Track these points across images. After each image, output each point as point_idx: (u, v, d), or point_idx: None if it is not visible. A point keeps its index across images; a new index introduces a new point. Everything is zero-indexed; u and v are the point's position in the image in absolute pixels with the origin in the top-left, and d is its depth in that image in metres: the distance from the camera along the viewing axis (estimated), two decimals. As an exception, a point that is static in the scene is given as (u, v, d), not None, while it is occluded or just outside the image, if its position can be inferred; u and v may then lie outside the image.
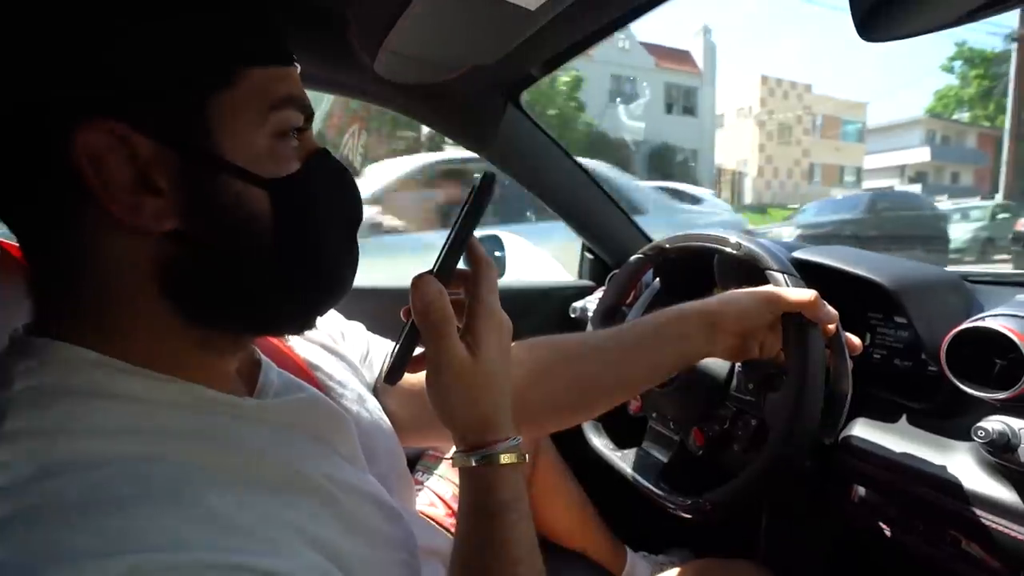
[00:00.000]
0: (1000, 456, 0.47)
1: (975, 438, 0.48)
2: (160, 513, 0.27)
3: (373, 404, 0.54)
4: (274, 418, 0.39)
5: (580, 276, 1.24)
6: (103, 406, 0.31)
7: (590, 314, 0.97)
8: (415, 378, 0.42)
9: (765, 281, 0.62)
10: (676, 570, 0.69)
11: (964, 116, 28.27)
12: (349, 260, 0.41)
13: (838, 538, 0.78)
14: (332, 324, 0.59)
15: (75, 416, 0.30)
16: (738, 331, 0.56)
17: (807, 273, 0.63)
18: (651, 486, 0.69)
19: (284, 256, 0.35)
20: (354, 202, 0.41)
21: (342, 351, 0.56)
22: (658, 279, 0.89)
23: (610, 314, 0.87)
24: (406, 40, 0.63)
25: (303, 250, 0.36)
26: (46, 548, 0.25)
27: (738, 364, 0.71)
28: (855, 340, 0.58)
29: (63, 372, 0.31)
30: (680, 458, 0.74)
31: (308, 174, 0.36)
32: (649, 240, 0.96)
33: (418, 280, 0.38)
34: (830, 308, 0.57)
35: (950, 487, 0.52)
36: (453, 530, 0.50)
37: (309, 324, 0.41)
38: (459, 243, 0.39)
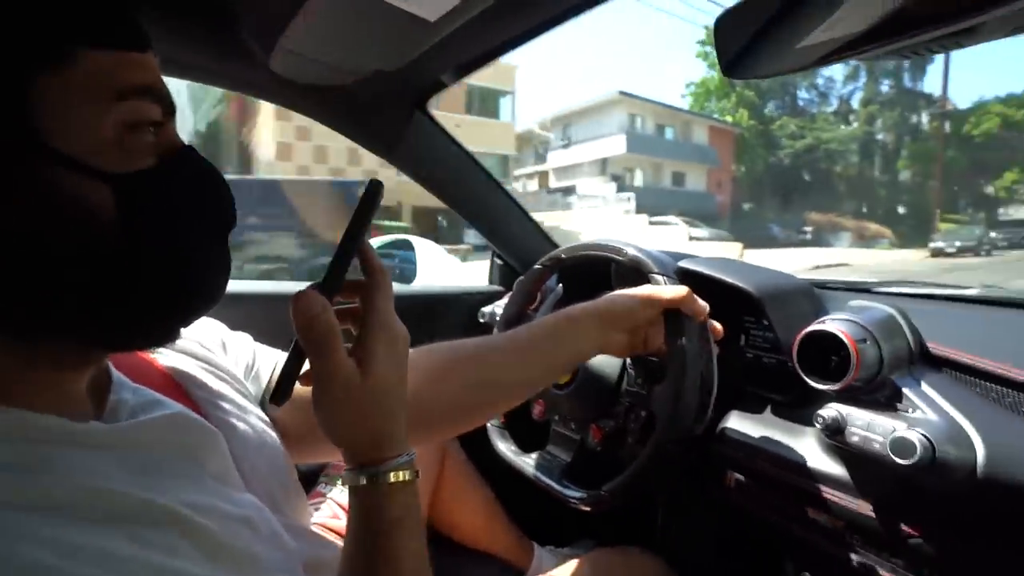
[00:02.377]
0: (834, 438, 0.56)
1: (815, 424, 0.57)
2: None
3: (256, 418, 0.51)
4: (123, 442, 0.35)
5: (490, 281, 1.26)
6: None
7: (497, 319, 1.00)
8: (307, 390, 0.40)
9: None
10: (576, 561, 0.73)
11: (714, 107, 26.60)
12: (217, 267, 0.38)
13: (723, 522, 0.86)
14: (210, 333, 0.55)
15: None
16: (625, 327, 0.61)
17: (690, 280, 0.70)
18: (554, 484, 0.73)
19: (132, 261, 0.32)
20: (223, 204, 0.38)
21: (220, 362, 0.52)
22: (560, 285, 0.94)
23: (515, 320, 0.90)
24: (302, 39, 0.61)
25: (157, 254, 0.33)
26: None
27: (628, 361, 0.77)
28: (718, 326, 0.66)
29: None
30: (581, 455, 0.78)
31: (165, 171, 0.34)
32: (556, 246, 1.01)
33: (299, 295, 0.36)
34: (702, 302, 0.63)
35: (799, 467, 0.61)
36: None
37: (168, 337, 0.37)
38: (346, 253, 0.38)
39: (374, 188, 0.39)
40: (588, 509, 0.68)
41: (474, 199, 1.03)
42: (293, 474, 0.55)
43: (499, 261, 1.22)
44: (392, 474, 0.39)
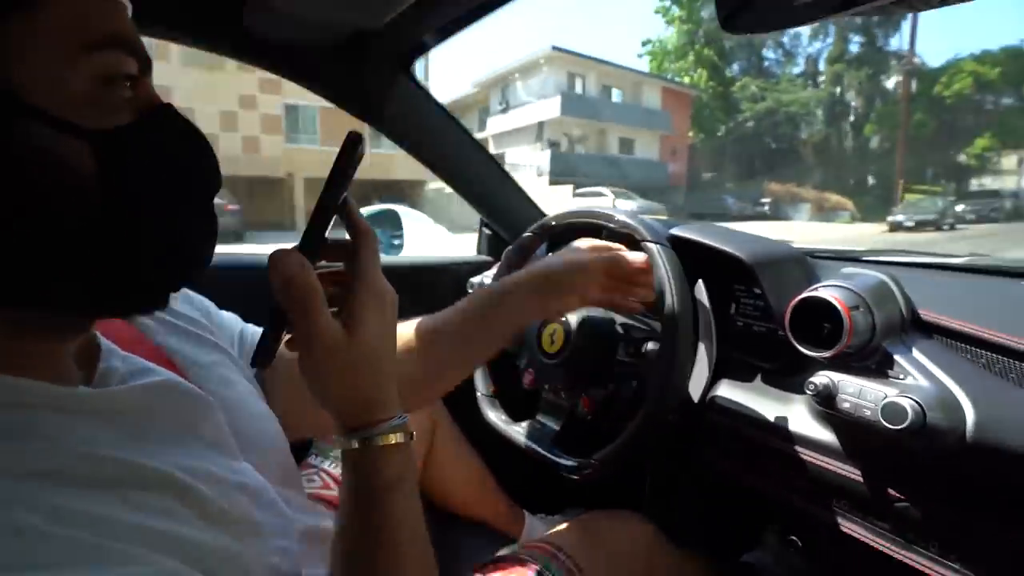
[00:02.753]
0: (825, 405, 0.56)
1: (807, 391, 0.56)
2: None
3: (245, 387, 0.50)
4: (114, 408, 0.35)
5: (479, 251, 1.24)
6: None
7: (488, 289, 0.98)
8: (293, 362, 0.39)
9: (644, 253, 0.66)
10: (565, 524, 0.73)
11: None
12: (203, 231, 0.36)
13: (712, 488, 0.87)
14: (196, 304, 0.54)
15: None
16: (565, 293, 0.61)
17: (682, 248, 0.69)
18: (545, 452, 0.73)
19: (114, 221, 0.31)
20: (207, 165, 0.36)
21: (209, 336, 0.51)
22: (550, 254, 0.92)
23: (505, 289, 0.88)
24: (279, -7, 0.58)
25: (137, 217, 0.32)
26: None
27: (620, 330, 0.76)
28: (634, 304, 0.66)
29: None
30: (571, 425, 0.78)
31: (143, 128, 0.32)
32: (543, 215, 0.99)
33: (275, 255, 0.35)
34: (633, 258, 0.64)
35: (789, 434, 0.61)
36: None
37: (156, 302, 0.36)
38: (324, 210, 0.36)
39: (352, 140, 0.36)
40: (578, 478, 0.68)
41: (461, 167, 1.00)
42: (285, 443, 0.55)
43: (487, 231, 1.20)
44: (384, 437, 0.38)
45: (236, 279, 0.80)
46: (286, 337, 0.39)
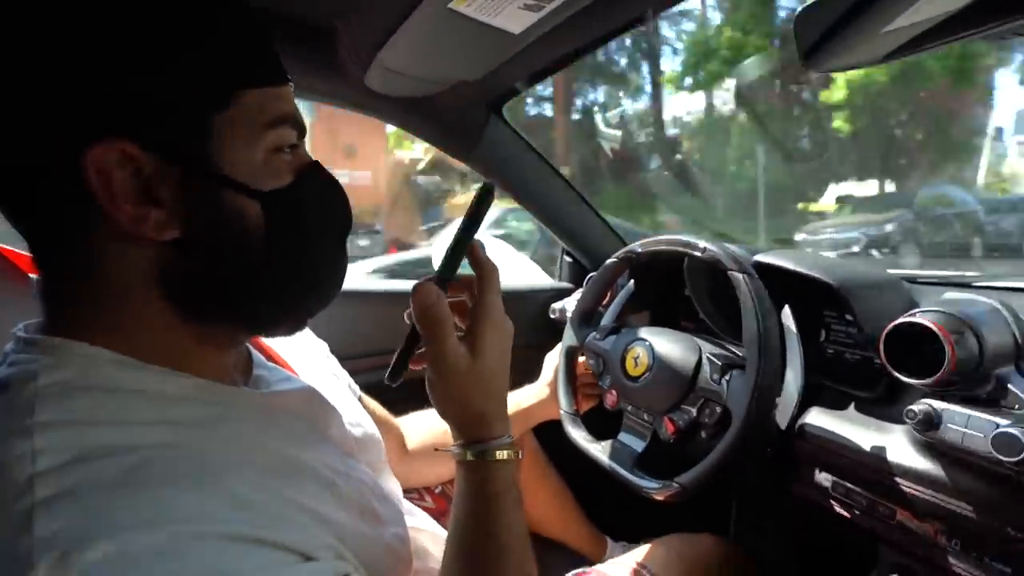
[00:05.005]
0: (926, 434, 0.54)
1: (906, 420, 0.55)
2: (186, 492, 0.31)
3: (350, 398, 0.58)
4: (271, 406, 0.42)
5: (559, 278, 1.28)
6: (123, 400, 0.34)
7: (568, 315, 1.02)
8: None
9: (728, 281, 0.67)
10: (648, 546, 0.74)
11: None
12: (337, 266, 0.43)
13: (800, 518, 0.84)
14: (305, 334, 0.64)
15: (99, 409, 0.33)
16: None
17: (768, 275, 0.69)
18: (626, 473, 0.74)
19: (276, 263, 0.38)
20: (344, 211, 0.43)
21: (312, 351, 0.61)
22: (632, 281, 0.95)
23: (588, 315, 0.92)
24: (398, 57, 0.67)
25: (293, 257, 0.39)
26: (89, 523, 0.28)
27: (706, 356, 0.77)
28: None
29: (82, 369, 0.34)
30: (653, 446, 0.79)
31: (299, 186, 0.39)
32: (624, 243, 1.02)
33: (418, 287, 0.41)
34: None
35: (887, 464, 0.59)
36: (430, 514, 0.60)
37: (299, 326, 0.44)
38: (458, 250, 0.43)
39: (486, 189, 0.43)
40: (660, 499, 0.69)
41: (545, 198, 1.06)
42: (384, 452, 0.62)
43: (568, 259, 1.25)
44: (497, 452, 0.44)
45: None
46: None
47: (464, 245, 0.43)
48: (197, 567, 0.28)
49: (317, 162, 0.42)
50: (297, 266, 0.40)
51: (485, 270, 0.45)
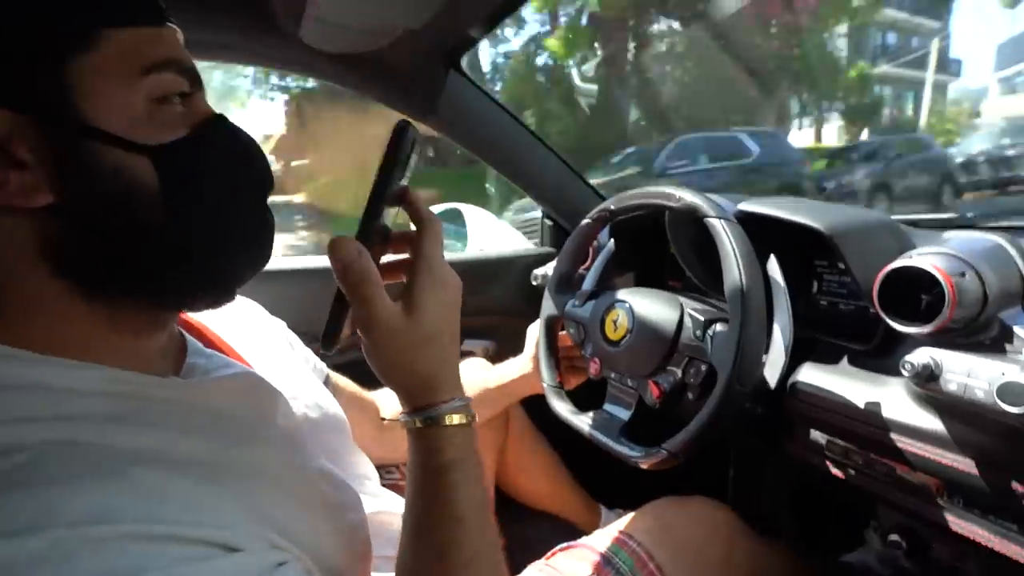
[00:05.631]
0: (925, 386, 0.49)
1: (903, 371, 0.50)
2: (81, 489, 0.27)
3: (309, 379, 0.54)
4: (201, 397, 0.38)
5: (542, 243, 1.23)
6: (11, 397, 0.30)
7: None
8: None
9: (708, 231, 0.62)
10: (642, 511, 0.71)
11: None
12: (258, 229, 0.39)
13: (796, 478, 0.81)
14: (252, 310, 0.59)
15: None
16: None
17: (751, 224, 0.64)
18: (612, 443, 0.71)
19: (177, 227, 0.34)
20: (256, 167, 0.39)
21: (266, 331, 0.56)
22: (612, 240, 0.89)
23: (566, 281, 0.87)
24: (329, 4, 0.60)
25: (195, 218, 0.35)
26: None
27: (688, 312, 0.72)
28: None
29: None
30: (640, 413, 0.75)
31: (197, 140, 0.35)
32: (603, 200, 0.96)
33: (333, 242, 0.37)
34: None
35: (884, 421, 0.54)
36: None
37: (224, 297, 0.39)
38: (378, 198, 0.38)
39: (400, 128, 0.37)
40: (647, 467, 0.66)
41: (516, 158, 0.99)
42: (347, 428, 0.58)
43: (548, 222, 1.19)
44: (447, 416, 0.40)
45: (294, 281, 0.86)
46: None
47: (384, 193, 0.38)
48: (91, 569, 0.25)
49: (220, 115, 0.37)
50: (202, 228, 0.35)
51: (422, 219, 0.40)
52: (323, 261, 1.01)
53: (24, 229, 0.31)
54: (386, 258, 0.43)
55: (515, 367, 0.85)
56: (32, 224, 0.31)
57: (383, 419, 0.74)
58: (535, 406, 0.92)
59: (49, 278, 0.32)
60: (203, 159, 0.35)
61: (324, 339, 0.39)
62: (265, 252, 0.40)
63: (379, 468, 0.77)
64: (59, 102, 0.30)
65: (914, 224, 0.69)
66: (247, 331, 0.55)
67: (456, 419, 0.40)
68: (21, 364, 0.31)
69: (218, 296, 0.39)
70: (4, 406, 0.29)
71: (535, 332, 0.91)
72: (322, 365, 0.67)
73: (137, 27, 0.33)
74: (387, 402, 0.77)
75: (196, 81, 0.36)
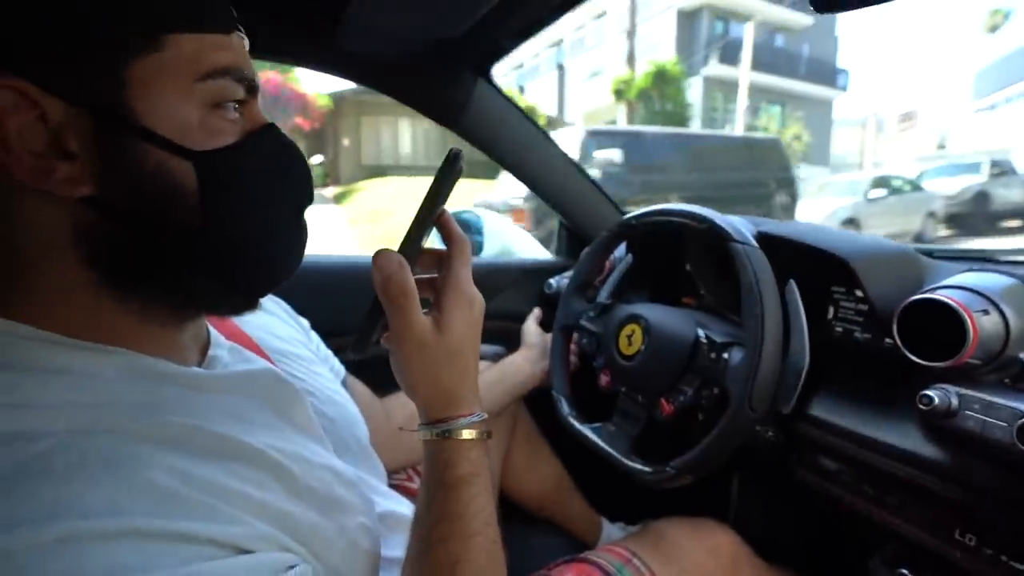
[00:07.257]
0: (940, 421, 0.49)
1: (920, 405, 0.50)
2: (97, 482, 0.28)
3: (327, 379, 0.55)
4: (221, 388, 0.39)
5: (557, 253, 1.24)
6: (39, 381, 0.31)
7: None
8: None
9: (729, 254, 0.62)
10: (640, 532, 0.71)
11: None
12: (292, 241, 0.40)
13: (803, 504, 0.80)
14: (277, 306, 0.61)
15: (9, 391, 0.29)
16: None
17: (771, 247, 0.64)
18: (620, 456, 0.71)
19: (211, 232, 0.34)
20: (300, 181, 0.39)
21: (294, 335, 0.57)
22: (630, 255, 0.90)
23: (581, 291, 0.87)
24: (370, 11, 0.62)
25: (232, 226, 0.35)
26: None
27: (704, 333, 0.73)
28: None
29: None
30: (649, 429, 0.75)
31: (243, 148, 0.35)
32: (622, 214, 0.97)
33: (377, 255, 0.38)
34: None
35: (897, 452, 0.54)
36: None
37: (250, 304, 0.40)
38: (424, 219, 0.40)
39: (453, 156, 0.39)
40: (653, 485, 0.66)
41: (538, 167, 1.00)
42: (364, 430, 0.59)
43: (566, 232, 1.20)
44: (464, 431, 0.41)
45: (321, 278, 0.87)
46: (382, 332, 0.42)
47: (430, 215, 0.40)
48: (101, 564, 0.25)
49: (272, 124, 0.38)
50: (237, 237, 0.36)
51: (454, 241, 0.42)
52: (352, 259, 1.04)
53: (61, 216, 0.32)
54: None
55: (513, 365, 0.88)
56: (69, 211, 0.32)
57: (400, 428, 0.75)
58: (542, 411, 0.93)
59: (79, 266, 0.33)
60: (245, 168, 0.35)
61: (356, 344, 0.41)
62: (291, 266, 0.41)
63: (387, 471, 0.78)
64: (114, 100, 0.31)
65: (932, 255, 0.69)
66: (270, 327, 0.56)
67: (471, 434, 0.41)
68: (48, 348, 0.32)
69: (241, 306, 0.40)
70: (33, 391, 0.30)
71: (531, 329, 0.93)
72: (340, 367, 0.68)
73: (204, 34, 0.33)
74: (397, 409, 0.78)
75: (253, 89, 0.36)
